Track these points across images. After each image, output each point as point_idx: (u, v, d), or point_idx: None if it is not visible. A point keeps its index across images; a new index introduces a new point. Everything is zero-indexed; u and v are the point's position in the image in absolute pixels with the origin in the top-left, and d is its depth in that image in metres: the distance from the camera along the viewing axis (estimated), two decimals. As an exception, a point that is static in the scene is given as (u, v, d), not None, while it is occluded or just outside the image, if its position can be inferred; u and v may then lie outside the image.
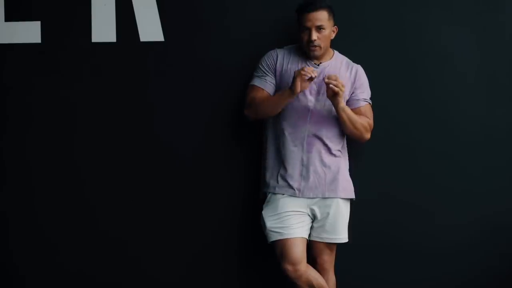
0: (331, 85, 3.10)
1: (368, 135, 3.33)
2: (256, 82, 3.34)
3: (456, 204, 3.55)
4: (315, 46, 3.22)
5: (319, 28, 3.21)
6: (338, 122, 3.27)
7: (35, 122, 3.62)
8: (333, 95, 3.14)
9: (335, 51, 3.37)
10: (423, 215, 3.55)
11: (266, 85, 3.32)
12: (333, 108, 3.24)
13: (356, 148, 3.44)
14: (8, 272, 3.63)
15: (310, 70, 3.09)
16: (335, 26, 3.30)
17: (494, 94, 3.55)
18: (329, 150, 3.29)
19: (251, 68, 3.40)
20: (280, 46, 3.38)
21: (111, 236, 3.60)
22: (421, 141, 3.55)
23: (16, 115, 3.62)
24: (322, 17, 3.21)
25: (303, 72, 3.08)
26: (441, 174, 3.55)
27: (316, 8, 3.20)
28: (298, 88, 3.10)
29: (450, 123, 3.56)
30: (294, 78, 3.11)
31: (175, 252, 3.59)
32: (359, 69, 3.36)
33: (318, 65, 3.29)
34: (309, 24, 3.21)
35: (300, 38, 3.26)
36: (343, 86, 3.13)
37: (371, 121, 3.34)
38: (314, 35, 3.21)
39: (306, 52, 3.28)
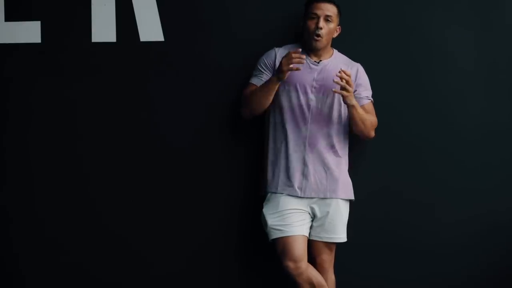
0: (338, 87, 3.12)
1: (373, 133, 3.36)
2: (253, 80, 3.36)
3: (457, 201, 3.55)
4: (319, 36, 3.23)
5: (327, 20, 3.23)
6: (340, 120, 3.29)
7: (36, 122, 3.61)
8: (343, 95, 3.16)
9: (335, 50, 3.38)
10: (423, 213, 3.55)
11: (261, 82, 3.32)
12: (334, 107, 3.26)
13: (357, 146, 3.44)
14: (8, 271, 3.62)
15: (298, 53, 3.10)
16: (339, 26, 3.32)
17: (496, 92, 3.56)
18: (330, 149, 3.29)
19: (251, 68, 3.40)
20: (280, 46, 3.39)
21: (111, 234, 3.59)
22: (422, 139, 3.55)
23: (17, 115, 3.62)
24: (332, 9, 3.25)
25: (291, 56, 3.09)
26: (442, 171, 3.55)
27: (329, 0, 3.24)
28: (285, 74, 3.12)
29: (451, 121, 3.56)
30: (281, 64, 3.13)
31: (175, 250, 3.59)
32: (359, 68, 3.37)
33: (318, 62, 3.30)
34: (319, 12, 3.23)
35: (306, 28, 3.25)
36: (350, 85, 3.14)
37: (376, 119, 3.36)
38: (322, 23, 3.22)
39: (308, 43, 3.27)
